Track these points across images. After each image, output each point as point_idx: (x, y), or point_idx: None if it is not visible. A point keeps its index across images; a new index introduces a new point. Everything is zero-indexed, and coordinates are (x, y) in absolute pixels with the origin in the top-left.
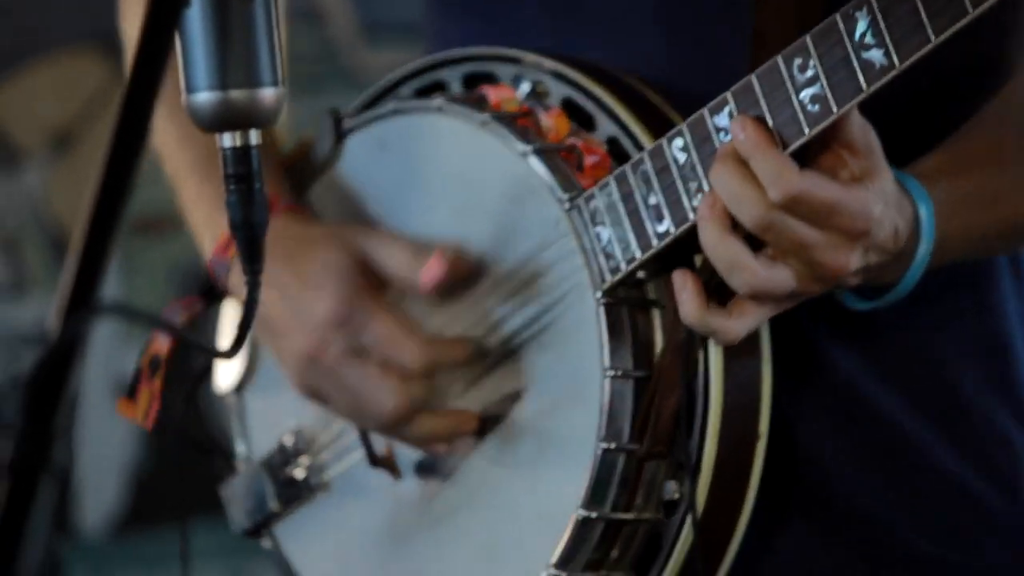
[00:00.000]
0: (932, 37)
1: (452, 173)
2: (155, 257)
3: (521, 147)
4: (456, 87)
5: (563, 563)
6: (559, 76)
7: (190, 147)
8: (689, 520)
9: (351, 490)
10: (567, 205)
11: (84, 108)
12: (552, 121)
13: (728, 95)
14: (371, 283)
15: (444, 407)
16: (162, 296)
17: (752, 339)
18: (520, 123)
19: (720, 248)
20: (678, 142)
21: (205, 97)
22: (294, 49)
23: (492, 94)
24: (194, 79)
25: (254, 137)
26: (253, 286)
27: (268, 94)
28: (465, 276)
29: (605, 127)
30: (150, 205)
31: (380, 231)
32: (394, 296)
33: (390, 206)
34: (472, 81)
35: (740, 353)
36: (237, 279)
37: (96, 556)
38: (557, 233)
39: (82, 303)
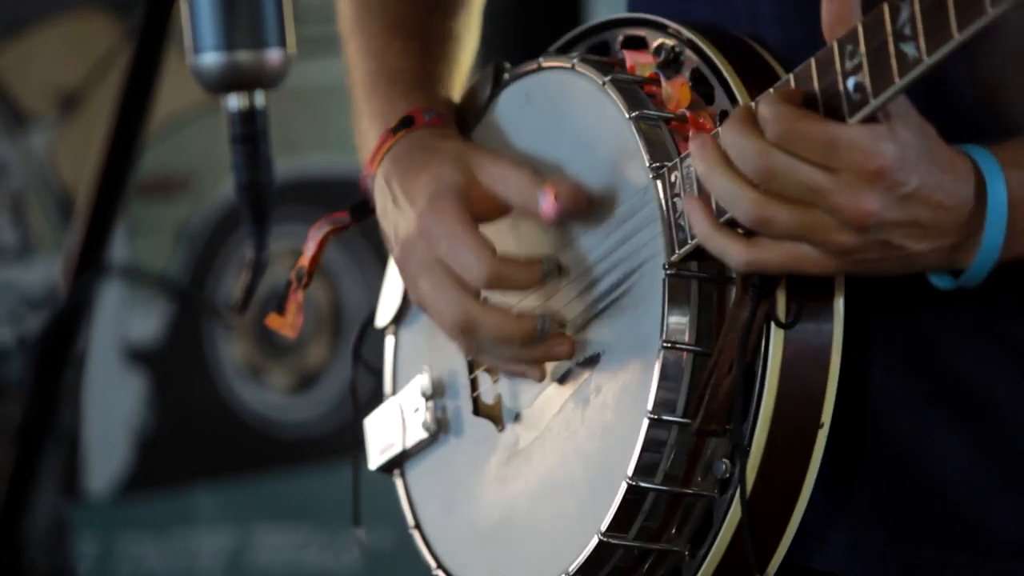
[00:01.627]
0: (956, 33)
1: (573, 130)
2: (162, 219)
3: (628, 112)
4: (615, 48)
5: (614, 529)
6: (693, 46)
7: (364, 61)
8: (737, 499)
9: (463, 435)
10: (653, 174)
11: (92, 70)
12: (675, 90)
13: (791, 76)
14: (481, 203)
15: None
16: (169, 258)
17: (820, 329)
18: (646, 89)
19: (713, 178)
20: None
21: (211, 57)
22: (302, 10)
23: (630, 58)
24: (201, 39)
25: (260, 99)
26: (259, 245)
27: (274, 55)
28: (582, 209)
29: (720, 101)
30: (157, 166)
31: (503, 157)
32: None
33: (525, 155)
34: (628, 43)
35: (805, 341)
36: (378, 193)
37: (103, 518)
38: (643, 200)
39: (89, 265)
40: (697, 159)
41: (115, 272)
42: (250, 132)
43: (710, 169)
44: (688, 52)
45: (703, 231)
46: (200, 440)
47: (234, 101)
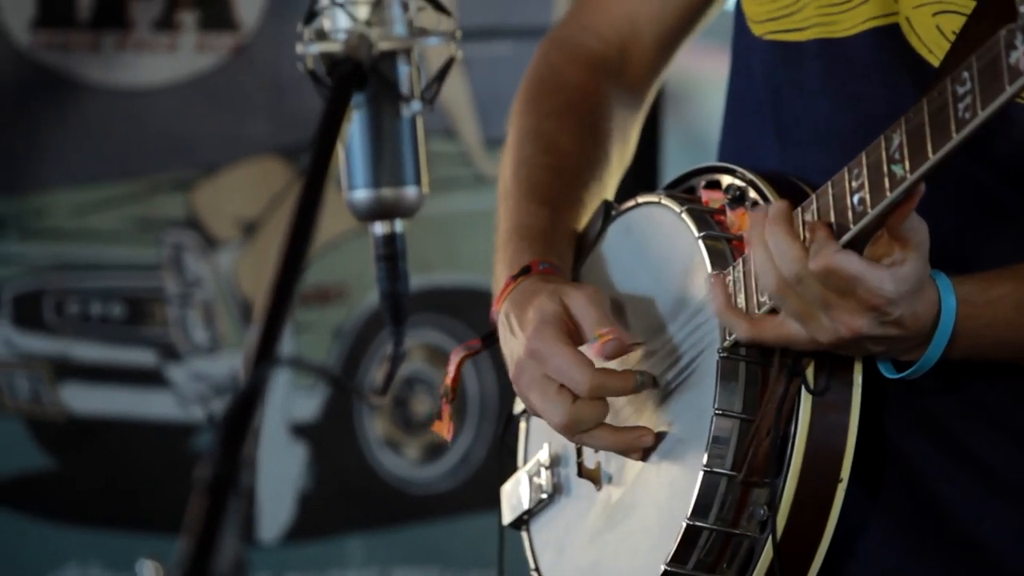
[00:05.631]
0: (931, 155)
1: (658, 250)
2: (322, 321)
3: (697, 232)
4: (698, 190)
5: (675, 561)
6: (755, 186)
7: (507, 219)
8: (771, 538)
9: (572, 494)
10: (713, 279)
11: (268, 203)
12: (736, 218)
13: (813, 196)
14: (570, 326)
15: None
16: (327, 353)
17: (842, 399)
18: (715, 217)
19: (757, 251)
20: None
21: (362, 193)
22: (433, 156)
23: (705, 195)
24: (353, 179)
25: (399, 225)
26: (397, 342)
27: (411, 191)
28: (625, 353)
29: None
30: (318, 279)
31: (587, 291)
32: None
33: (624, 275)
34: (708, 185)
35: (828, 410)
36: (501, 326)
37: (273, 560)
38: (706, 300)
39: (264, 358)
40: (752, 229)
41: (284, 363)
42: (391, 252)
43: (756, 244)
44: (750, 190)
45: (717, 308)
46: (350, 498)
47: (379, 227)
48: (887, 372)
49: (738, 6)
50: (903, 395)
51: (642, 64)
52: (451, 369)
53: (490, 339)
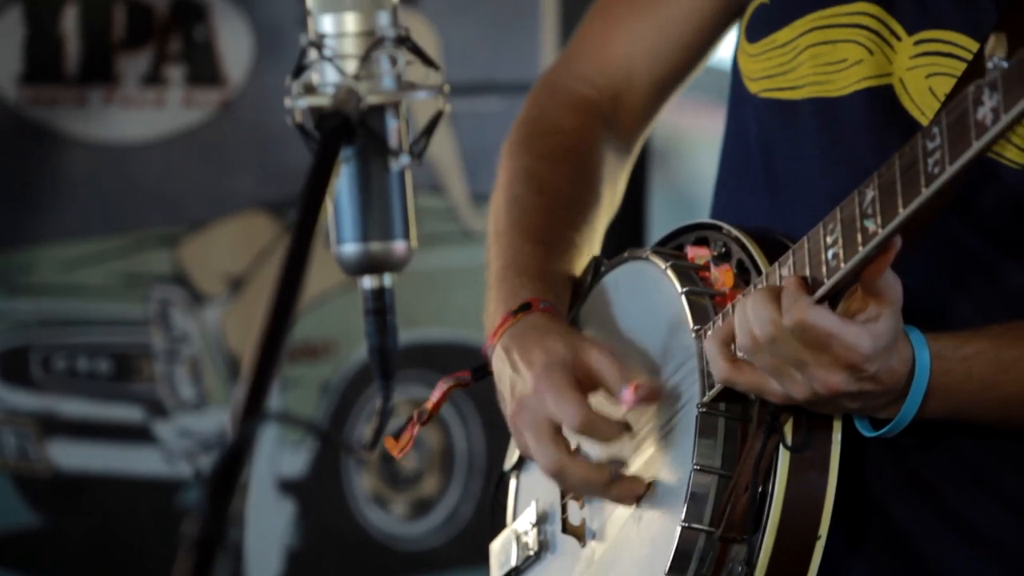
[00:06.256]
0: (901, 210)
1: (644, 304)
2: (309, 376)
3: (680, 288)
4: (687, 247)
5: None
6: (738, 242)
7: (501, 258)
8: None
9: (557, 551)
10: (695, 334)
11: (255, 258)
12: (720, 275)
13: (790, 251)
14: (579, 375)
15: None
16: (315, 409)
17: (821, 456)
18: (700, 273)
19: (738, 312)
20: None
21: (350, 247)
22: (420, 212)
23: (692, 252)
24: (342, 233)
25: (388, 280)
26: (386, 397)
27: (399, 246)
28: (653, 402)
29: (756, 283)
30: (306, 335)
31: (604, 347)
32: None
33: (611, 330)
34: (697, 242)
35: (807, 467)
36: (497, 361)
37: None
38: (687, 355)
39: (251, 413)
40: (740, 302)
41: (272, 418)
42: (380, 306)
43: (739, 306)
44: (735, 247)
45: (712, 335)
46: (337, 554)
47: (367, 282)
48: (864, 431)
49: (735, 63)
50: (888, 454)
51: (635, 112)
52: (436, 395)
53: (481, 372)
